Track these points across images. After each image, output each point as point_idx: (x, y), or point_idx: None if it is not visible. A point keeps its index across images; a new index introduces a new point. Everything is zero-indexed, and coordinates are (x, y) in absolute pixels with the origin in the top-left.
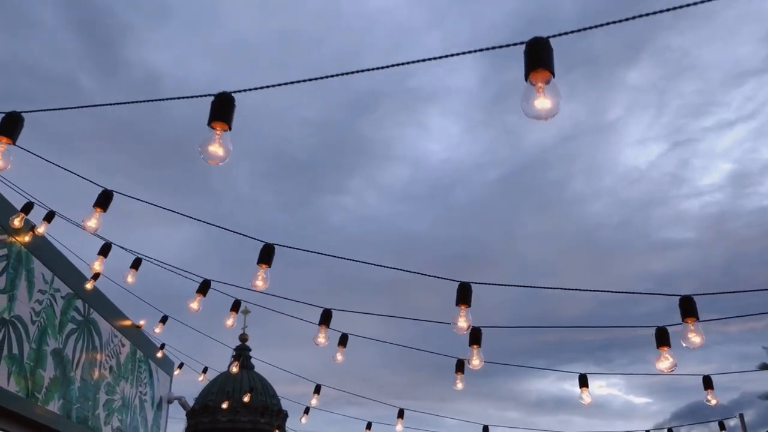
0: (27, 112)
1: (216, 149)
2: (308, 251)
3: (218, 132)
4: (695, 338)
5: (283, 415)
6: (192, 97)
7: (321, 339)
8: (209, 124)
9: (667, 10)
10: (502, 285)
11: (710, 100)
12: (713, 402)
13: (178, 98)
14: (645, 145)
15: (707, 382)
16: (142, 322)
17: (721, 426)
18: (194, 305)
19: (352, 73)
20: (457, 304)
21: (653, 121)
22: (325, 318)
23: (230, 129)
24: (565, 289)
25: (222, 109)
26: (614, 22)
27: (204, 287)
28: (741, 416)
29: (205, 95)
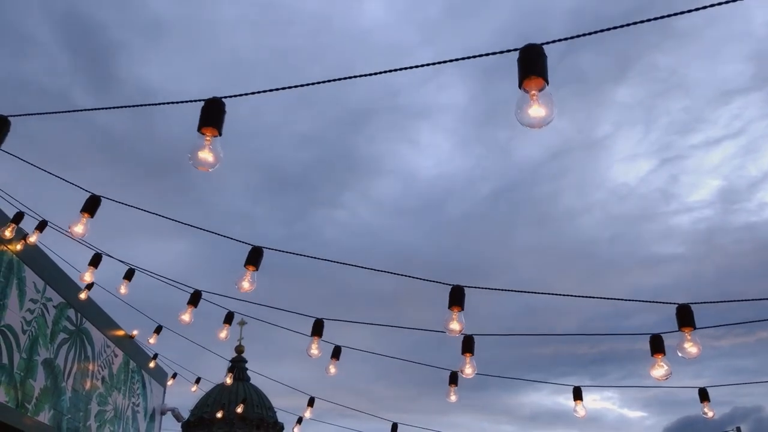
0: (12, 116)
1: (206, 155)
2: (296, 254)
3: (208, 138)
4: (692, 348)
5: (279, 428)
6: (182, 102)
7: (314, 351)
8: (199, 129)
9: (654, 19)
10: (494, 289)
11: (698, 118)
12: (710, 414)
13: (168, 103)
14: (634, 162)
15: (703, 395)
16: (135, 332)
17: None
18: (186, 317)
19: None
20: (449, 307)
21: (642, 137)
22: (317, 328)
23: (220, 135)
24: (559, 294)
25: (212, 114)
26: (604, 30)
27: (195, 298)
28: (738, 429)
29: (197, 100)
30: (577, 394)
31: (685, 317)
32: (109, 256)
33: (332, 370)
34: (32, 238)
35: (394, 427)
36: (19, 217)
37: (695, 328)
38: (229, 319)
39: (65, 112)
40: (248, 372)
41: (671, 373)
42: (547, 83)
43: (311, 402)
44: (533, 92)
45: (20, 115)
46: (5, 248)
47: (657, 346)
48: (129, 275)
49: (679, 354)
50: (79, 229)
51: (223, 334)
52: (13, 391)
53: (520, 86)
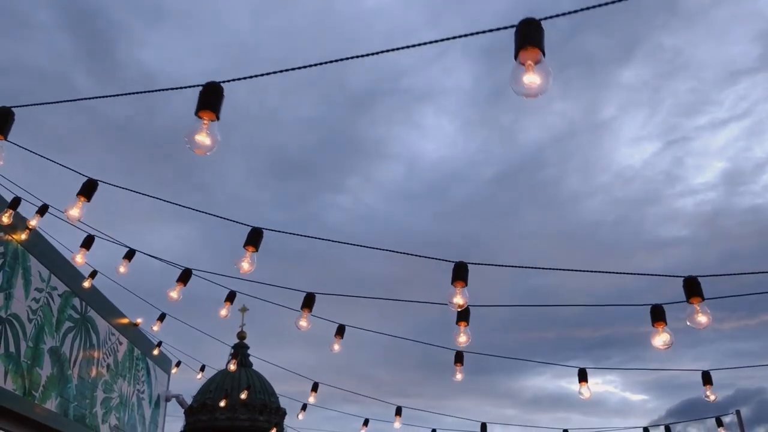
0: (16, 107)
1: (203, 138)
2: (295, 234)
3: (205, 121)
4: (701, 318)
5: (282, 413)
6: (180, 88)
7: (303, 323)
8: (196, 113)
9: None
10: (498, 265)
11: (704, 99)
12: (712, 398)
13: (167, 89)
14: (639, 144)
15: (706, 378)
16: (139, 320)
17: (719, 423)
18: (174, 294)
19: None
20: (452, 283)
21: (647, 120)
22: (308, 302)
23: (218, 119)
24: (565, 270)
25: (210, 98)
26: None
27: (185, 276)
28: (738, 413)
29: (195, 86)
30: (582, 376)
31: (693, 288)
32: (108, 238)
33: (336, 347)
34: (32, 222)
35: (398, 410)
36: (16, 202)
37: (704, 299)
38: (230, 297)
39: (65, 101)
40: (251, 358)
41: (673, 342)
42: (544, 54)
43: (315, 387)
44: (529, 62)
45: (22, 106)
46: (10, 238)
47: (658, 315)
48: (129, 256)
49: (689, 324)
50: (74, 212)
51: (223, 312)
52: (20, 379)
53: (516, 57)
